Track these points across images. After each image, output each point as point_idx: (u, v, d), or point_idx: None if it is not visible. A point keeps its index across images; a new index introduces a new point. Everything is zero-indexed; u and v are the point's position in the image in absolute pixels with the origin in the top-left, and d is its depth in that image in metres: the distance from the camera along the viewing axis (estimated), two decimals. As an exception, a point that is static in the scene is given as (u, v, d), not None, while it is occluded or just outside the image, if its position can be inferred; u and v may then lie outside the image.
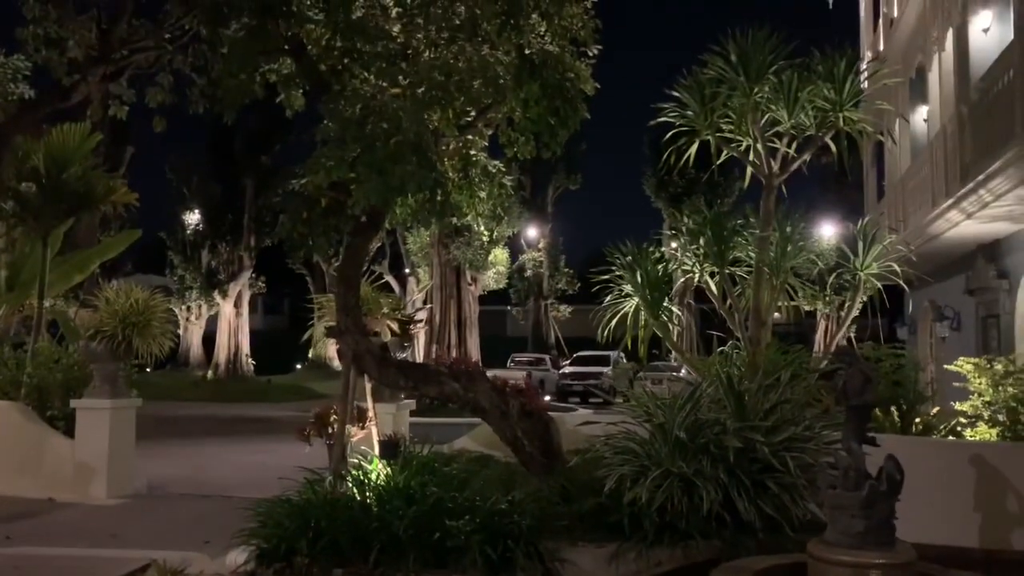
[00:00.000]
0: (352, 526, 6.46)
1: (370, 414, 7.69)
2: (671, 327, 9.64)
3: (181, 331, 37.71)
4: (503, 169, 8.47)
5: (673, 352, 33.57)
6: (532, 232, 33.96)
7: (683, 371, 30.17)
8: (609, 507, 6.78)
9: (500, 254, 20.40)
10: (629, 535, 6.50)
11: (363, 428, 7.63)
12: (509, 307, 36.87)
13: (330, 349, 44.52)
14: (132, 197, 12.75)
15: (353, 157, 6.69)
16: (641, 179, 36.36)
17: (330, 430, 7.62)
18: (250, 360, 35.36)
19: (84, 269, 14.78)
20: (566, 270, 36.46)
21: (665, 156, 9.42)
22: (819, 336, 23.32)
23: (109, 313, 10.06)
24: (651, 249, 9.62)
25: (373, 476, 7.47)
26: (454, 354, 19.70)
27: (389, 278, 41.76)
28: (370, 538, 6.36)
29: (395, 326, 9.24)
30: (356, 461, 7.78)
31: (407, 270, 41.62)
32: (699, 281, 9.61)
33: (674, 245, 36.52)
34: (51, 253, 14.21)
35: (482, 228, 19.79)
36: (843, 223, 19.70)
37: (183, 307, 37.78)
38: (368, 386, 7.92)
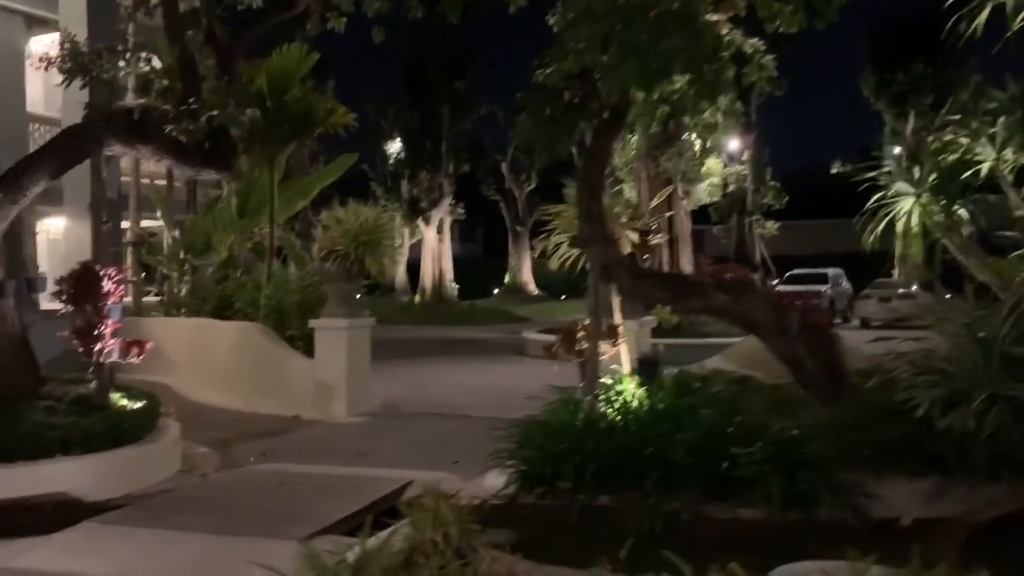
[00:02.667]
0: (620, 451, 5.85)
1: (621, 331, 7.01)
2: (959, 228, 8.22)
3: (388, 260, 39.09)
4: (762, 48, 7.33)
5: (897, 268, 30.81)
6: (733, 144, 31.66)
7: (914, 287, 27.58)
8: (919, 436, 5.76)
9: (715, 164, 19.01)
10: (951, 469, 5.48)
11: (615, 345, 6.97)
12: (710, 225, 35.09)
13: (525, 274, 44.88)
14: (351, 118, 12.63)
15: (605, 37, 5.83)
16: (858, 79, 33.07)
17: (577, 348, 6.99)
18: (453, 284, 36.04)
19: (306, 195, 15.00)
20: (772, 183, 34.09)
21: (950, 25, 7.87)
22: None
23: (341, 233, 9.94)
24: (932, 139, 8.20)
25: (627, 397, 6.83)
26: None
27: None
28: (643, 465, 5.72)
29: (634, 237, 8.46)
30: (606, 381, 7.18)
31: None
32: (994, 172, 8.09)
33: (896, 149, 33.26)
34: (277, 177, 14.49)
35: (694, 136, 18.49)
36: None
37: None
38: (616, 301, 7.23)
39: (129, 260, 13.92)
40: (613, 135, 7.20)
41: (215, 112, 7.24)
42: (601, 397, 6.78)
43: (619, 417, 6.45)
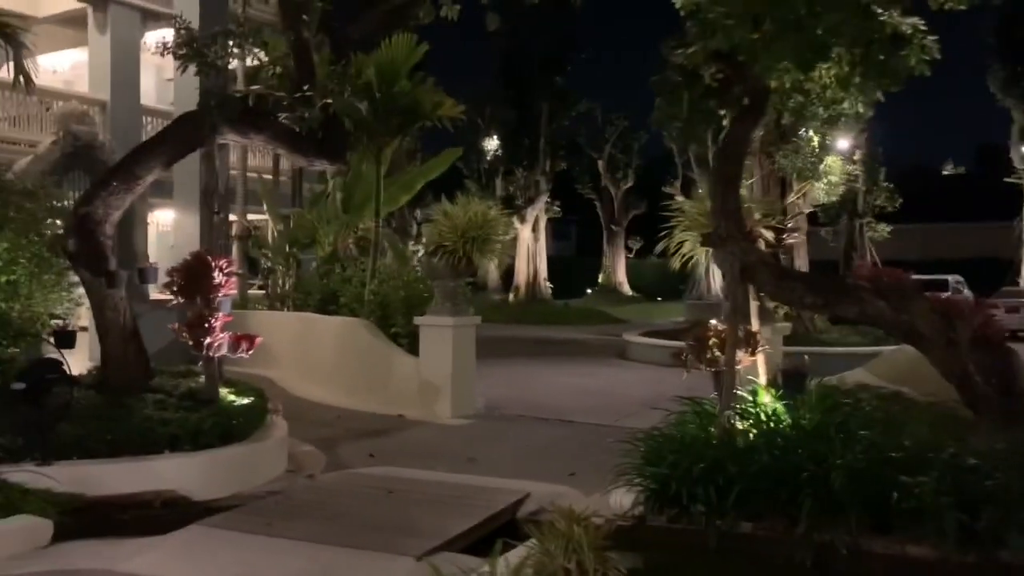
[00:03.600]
0: (770, 474, 5.25)
1: (760, 338, 6.40)
2: None
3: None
4: (922, 28, 6.56)
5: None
6: (842, 142, 30.03)
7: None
8: None
9: (834, 162, 17.91)
10: None
11: (752, 354, 6.36)
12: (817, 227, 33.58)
13: (619, 274, 44.09)
14: (459, 111, 12.28)
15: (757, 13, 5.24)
16: (985, 74, 31.06)
17: (709, 355, 6.41)
18: (548, 284, 35.59)
19: (410, 189, 14.80)
20: (886, 184, 32.34)
21: None
22: None
23: (449, 227, 9.59)
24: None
25: (765, 413, 6.22)
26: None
27: (681, 199, 40.05)
28: (796, 490, 5.12)
29: (769, 235, 7.82)
30: (741, 394, 6.58)
31: (700, 190, 39.64)
32: None
33: (1024, 149, 31.05)
34: (381, 171, 14.31)
35: (811, 133, 17.45)
36: None
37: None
38: (753, 305, 6.62)
39: (235, 253, 13.93)
40: (752, 124, 6.57)
41: (330, 100, 6.95)
42: (741, 411, 6.18)
43: (758, 435, 5.85)
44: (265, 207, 14.50)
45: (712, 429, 6.04)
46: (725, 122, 6.81)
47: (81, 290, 8.73)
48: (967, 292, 28.51)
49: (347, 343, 10.83)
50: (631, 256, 44.38)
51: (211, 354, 6.87)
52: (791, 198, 17.27)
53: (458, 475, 6.83)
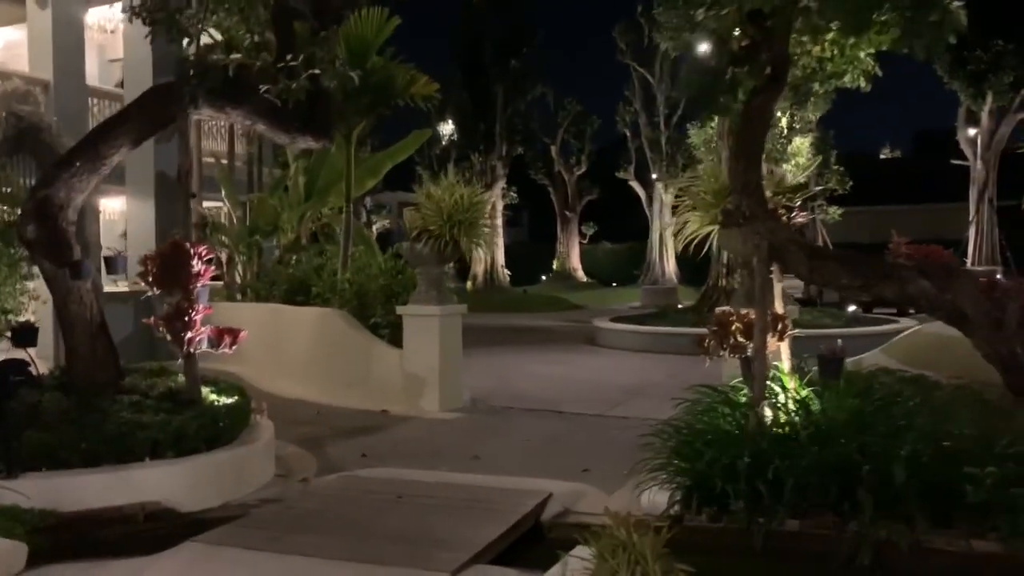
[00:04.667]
0: (823, 467, 4.88)
1: (788, 323, 6.03)
2: None
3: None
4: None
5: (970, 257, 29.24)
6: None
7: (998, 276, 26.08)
8: None
9: (802, 144, 17.79)
10: None
11: (781, 339, 6.00)
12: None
13: (574, 260, 43.90)
14: (433, 88, 11.70)
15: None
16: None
17: (732, 341, 6.03)
18: (506, 271, 35.16)
19: (377, 173, 14.19)
20: (837, 167, 32.62)
21: None
22: None
23: (434, 211, 9.05)
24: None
25: (793, 401, 5.87)
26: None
27: (635, 185, 39.97)
28: (849, 485, 4.77)
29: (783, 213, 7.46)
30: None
31: (654, 176, 39.51)
32: None
33: (971, 132, 31.78)
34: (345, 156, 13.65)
35: (779, 114, 17.30)
36: None
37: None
38: (777, 287, 6.26)
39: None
40: (775, 95, 6.20)
41: (317, 71, 6.35)
42: (775, 400, 5.82)
43: (796, 425, 5.49)
44: (223, 193, 13.73)
45: (745, 420, 5.67)
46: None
47: (34, 283, 8.02)
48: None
49: (323, 335, 10.23)
50: (584, 242, 44.22)
51: (192, 350, 6.25)
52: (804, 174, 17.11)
53: (465, 475, 6.34)
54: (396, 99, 11.47)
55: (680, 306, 21.70)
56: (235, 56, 6.18)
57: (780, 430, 5.45)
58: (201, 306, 6.30)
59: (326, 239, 14.38)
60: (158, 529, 5.37)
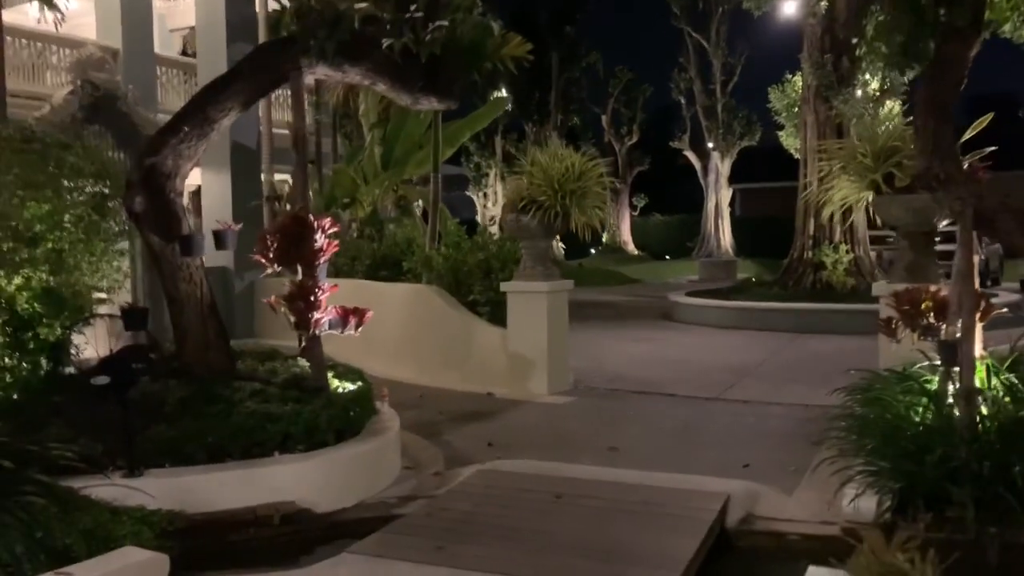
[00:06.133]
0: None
1: (992, 303, 5.30)
2: None
3: (479, 216, 37.68)
4: None
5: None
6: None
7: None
8: None
9: (894, 107, 16.79)
10: None
11: (983, 319, 5.28)
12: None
13: (624, 233, 43.01)
14: (526, 48, 11.00)
15: None
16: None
17: (924, 322, 5.31)
18: (560, 244, 34.44)
19: (454, 142, 13.56)
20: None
21: None
22: None
23: (543, 180, 8.39)
24: None
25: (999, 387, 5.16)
26: (837, 232, 16.70)
27: (690, 154, 38.87)
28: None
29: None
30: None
31: (709, 145, 38.38)
32: None
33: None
34: (423, 125, 13.08)
35: (868, 76, 16.30)
36: None
37: (479, 194, 37.59)
38: (959, 262, 5.52)
39: (266, 215, 12.62)
40: (973, 42, 5.44)
41: (446, 22, 5.70)
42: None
43: (1009, 418, 4.79)
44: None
45: (939, 412, 4.98)
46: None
47: (127, 261, 7.53)
48: (996, 244, 27.54)
49: (418, 313, 9.65)
50: (635, 214, 43.30)
51: (317, 331, 5.69)
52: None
53: (616, 470, 5.73)
54: (489, 60, 10.78)
55: (754, 279, 20.83)
56: (361, 5, 5.53)
57: (990, 424, 4.75)
58: (327, 284, 5.72)
59: (402, 212, 13.81)
60: (295, 533, 4.86)
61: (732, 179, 38.89)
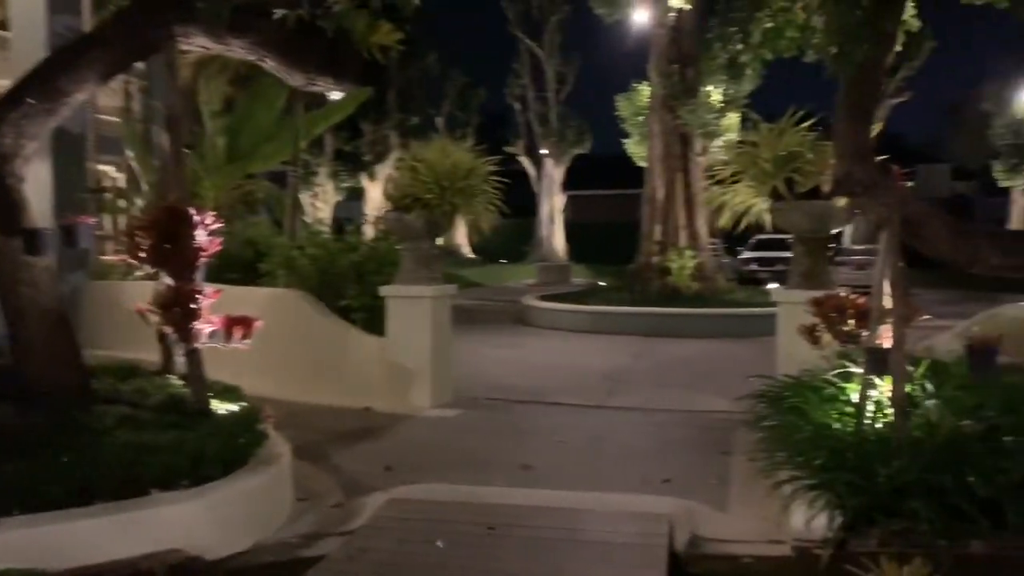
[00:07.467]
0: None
1: (919, 309, 5.30)
2: None
3: (308, 217, 36.30)
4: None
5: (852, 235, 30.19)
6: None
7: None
8: None
9: (733, 119, 17.43)
10: None
11: (906, 325, 5.26)
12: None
13: (459, 235, 42.82)
14: (395, 37, 10.28)
15: None
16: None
17: (844, 327, 5.26)
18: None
19: (309, 134, 12.66)
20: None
21: None
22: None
23: (429, 177, 7.82)
24: None
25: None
26: (682, 237, 17.14)
27: (524, 160, 39.24)
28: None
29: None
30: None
31: (543, 151, 38.86)
32: None
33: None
34: (273, 114, 12.13)
35: (711, 88, 16.85)
36: None
37: (309, 193, 36.27)
38: (883, 267, 5.52)
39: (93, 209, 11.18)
40: (891, 46, 5.45)
41: (351, -7, 5.06)
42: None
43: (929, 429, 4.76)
44: (132, 155, 11.81)
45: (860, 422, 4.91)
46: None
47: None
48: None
49: (281, 320, 8.71)
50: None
51: (198, 345, 4.86)
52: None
53: (543, 492, 5.28)
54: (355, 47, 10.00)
55: (603, 283, 21.12)
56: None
57: (935, 434, 4.71)
58: (209, 289, 4.91)
59: (249, 209, 12.73)
60: (186, 588, 4.05)
61: (565, 186, 39.69)
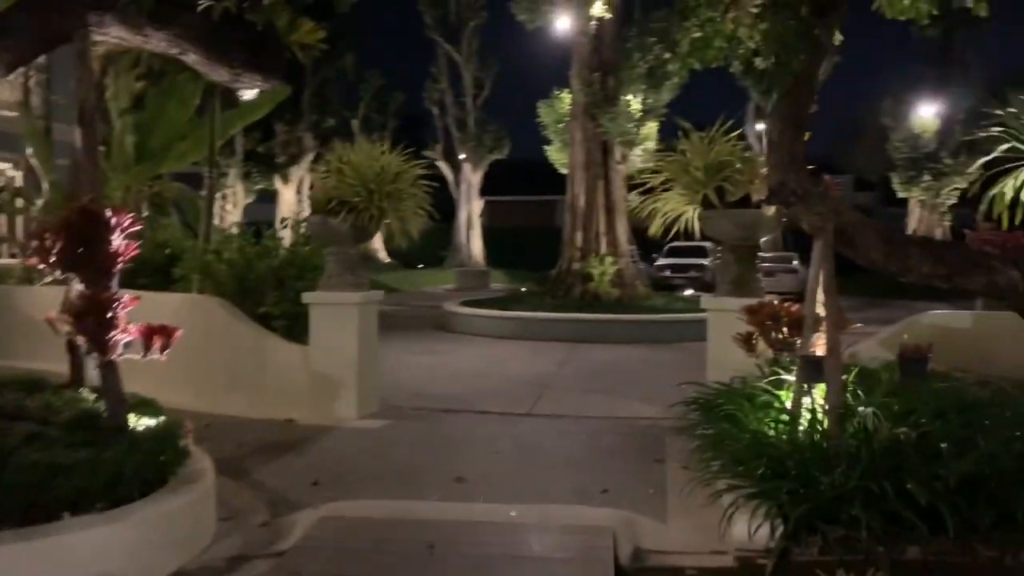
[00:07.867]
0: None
1: (849, 319, 5.37)
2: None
3: (217, 220, 35.28)
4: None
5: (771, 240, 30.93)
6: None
7: (794, 262, 27.78)
8: None
9: (652, 128, 17.65)
10: None
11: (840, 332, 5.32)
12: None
13: (375, 240, 42.24)
14: (318, 36, 9.98)
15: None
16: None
17: (780, 337, 5.30)
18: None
19: (224, 133, 12.19)
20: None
21: None
22: None
23: (356, 180, 7.58)
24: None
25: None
26: (603, 244, 17.25)
27: (442, 165, 38.96)
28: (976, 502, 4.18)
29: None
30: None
31: (461, 156, 38.69)
32: None
33: (759, 126, 32.99)
34: (188, 111, 11.65)
35: (631, 97, 17.02)
36: None
37: (218, 194, 35.25)
38: (818, 275, 5.59)
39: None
40: (823, 55, 5.52)
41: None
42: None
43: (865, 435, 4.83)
44: (32, 153, 11.12)
45: (796, 429, 4.95)
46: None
47: None
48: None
49: (199, 328, 8.28)
50: (387, 221, 42.66)
51: (114, 357, 4.53)
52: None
53: (480, 506, 5.14)
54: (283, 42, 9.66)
55: (524, 289, 21.09)
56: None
57: (872, 442, 4.77)
58: (126, 296, 4.58)
59: (158, 211, 12.18)
60: (104, 621, 3.75)
61: (483, 191, 39.60)
